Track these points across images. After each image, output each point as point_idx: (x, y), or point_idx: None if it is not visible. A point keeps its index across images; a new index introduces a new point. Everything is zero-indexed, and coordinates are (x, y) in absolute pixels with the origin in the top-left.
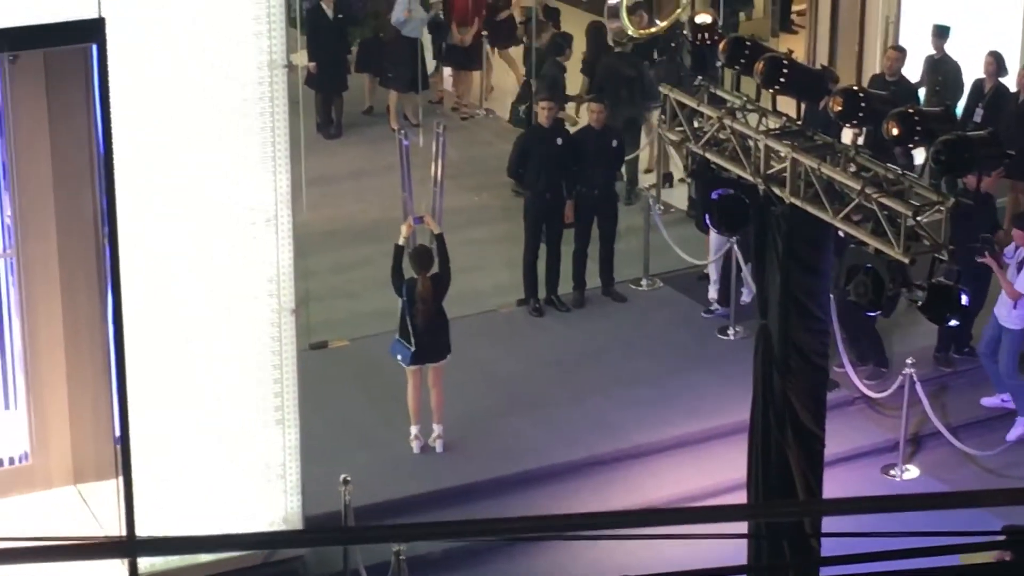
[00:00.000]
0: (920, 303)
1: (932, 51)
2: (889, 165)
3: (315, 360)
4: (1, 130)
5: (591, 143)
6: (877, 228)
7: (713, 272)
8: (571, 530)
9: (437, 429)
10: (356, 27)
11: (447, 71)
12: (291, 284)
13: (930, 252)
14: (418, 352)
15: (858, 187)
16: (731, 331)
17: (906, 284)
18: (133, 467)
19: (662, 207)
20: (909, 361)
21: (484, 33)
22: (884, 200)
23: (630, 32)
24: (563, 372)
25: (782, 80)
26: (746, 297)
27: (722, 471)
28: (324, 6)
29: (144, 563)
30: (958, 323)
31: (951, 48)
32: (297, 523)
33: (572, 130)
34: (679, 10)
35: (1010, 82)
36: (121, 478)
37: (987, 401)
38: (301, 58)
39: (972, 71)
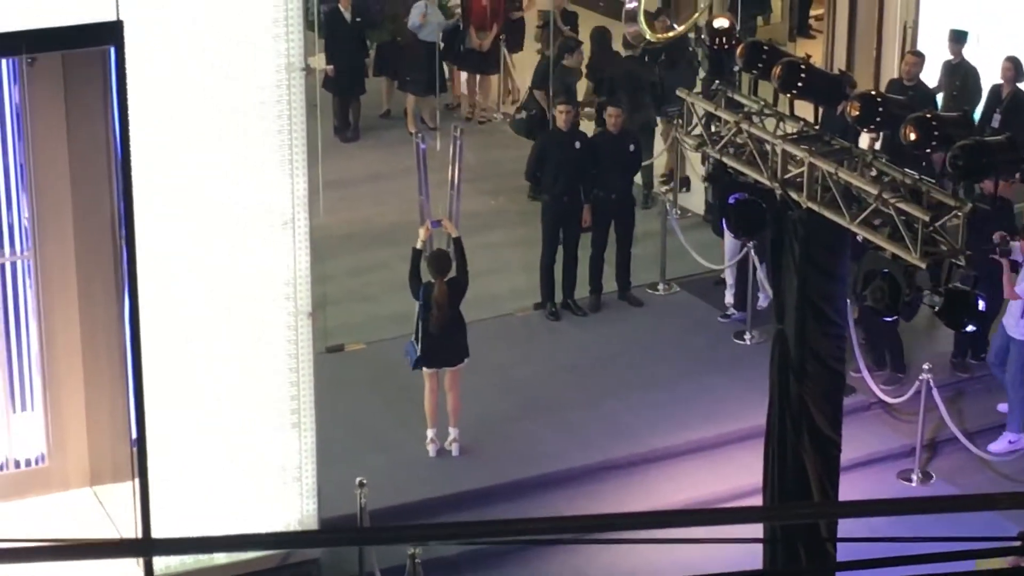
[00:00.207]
0: (937, 308)
1: (950, 56)
2: (906, 170)
3: (331, 363)
4: (19, 132)
5: (608, 147)
6: (894, 233)
7: (729, 276)
8: (585, 531)
9: (453, 432)
10: (374, 30)
11: (463, 75)
12: (308, 287)
13: (947, 257)
14: (428, 355)
15: (875, 192)
16: (747, 335)
17: (935, 285)
18: (149, 469)
19: (679, 211)
20: (926, 366)
21: (502, 37)
22: (901, 205)
23: (648, 36)
24: (579, 376)
25: (800, 84)
26: (763, 302)
27: (738, 476)
28: (342, 9)
29: (159, 566)
30: (975, 328)
31: (969, 53)
32: (313, 526)
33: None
34: (697, 14)
35: None
36: (137, 480)
37: (1004, 407)
38: (319, 61)
39: (990, 76)
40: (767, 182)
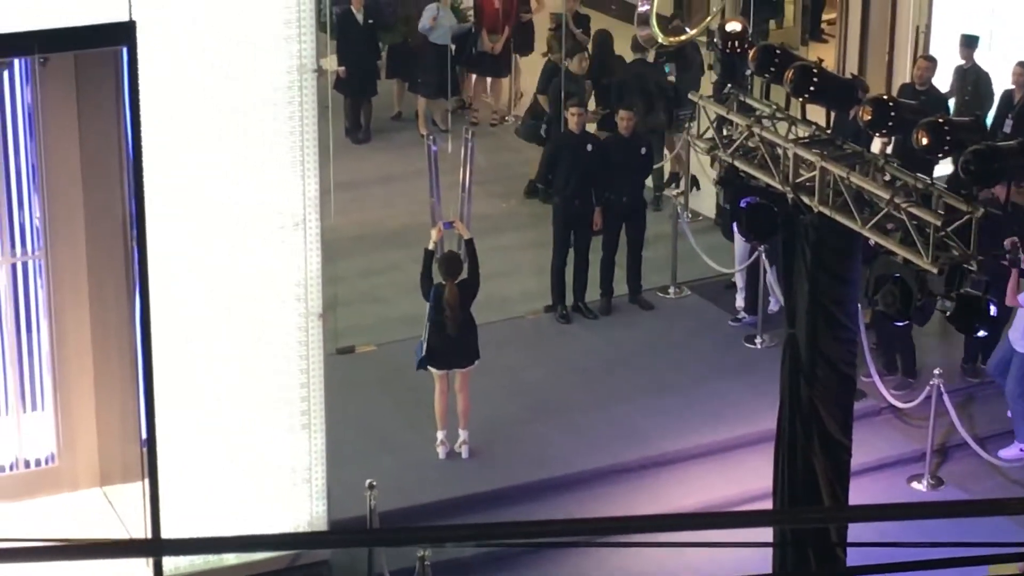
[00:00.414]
0: (949, 313)
1: (961, 61)
2: (918, 175)
3: (342, 365)
4: (31, 132)
5: (620, 150)
6: (906, 238)
7: (740, 280)
8: (595, 534)
9: (463, 435)
10: (386, 32)
11: (474, 77)
12: (318, 289)
13: (959, 262)
14: (438, 356)
15: (887, 196)
16: (758, 340)
17: (948, 289)
18: (159, 469)
19: (690, 215)
20: (936, 371)
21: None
22: (913, 209)
23: (660, 39)
24: (589, 379)
25: (812, 89)
26: (773, 307)
27: (748, 480)
28: (354, 11)
29: (169, 566)
30: (986, 333)
31: (981, 58)
32: (322, 527)
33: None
34: (709, 18)
35: None
36: (147, 481)
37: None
38: (331, 63)
39: (1002, 81)
40: (779, 186)
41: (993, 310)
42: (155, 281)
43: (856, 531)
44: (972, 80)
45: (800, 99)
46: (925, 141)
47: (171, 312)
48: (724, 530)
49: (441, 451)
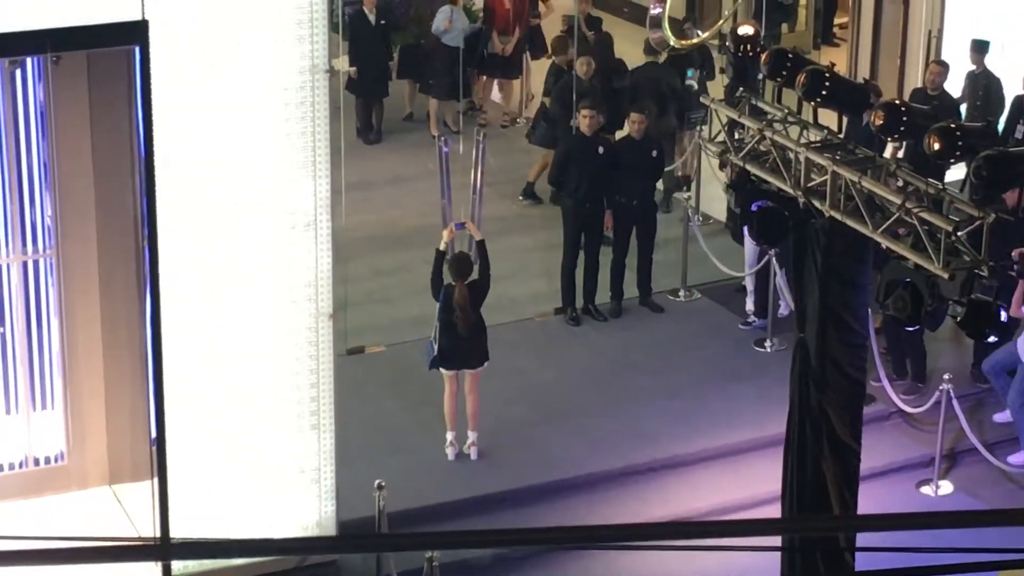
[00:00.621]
0: (959, 319)
1: (972, 66)
2: (930, 180)
3: (351, 365)
4: (43, 130)
5: (631, 153)
6: (917, 243)
7: (750, 284)
8: (603, 541)
9: (472, 436)
10: (398, 33)
11: (483, 79)
12: (329, 289)
13: (970, 268)
14: (448, 357)
15: (898, 201)
16: (768, 343)
17: (961, 294)
18: (168, 468)
19: (700, 218)
20: (946, 377)
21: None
22: (924, 215)
23: (672, 43)
24: (599, 382)
25: (824, 93)
26: (783, 310)
27: (757, 483)
28: (366, 11)
29: (177, 565)
30: (997, 339)
31: (993, 64)
32: (331, 528)
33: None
34: (721, 21)
35: None
36: (156, 479)
37: (999, 417)
38: (343, 63)
39: (1014, 87)
40: (790, 190)
41: (1004, 315)
42: (166, 280)
43: (865, 535)
44: (983, 85)
45: (812, 103)
46: (937, 146)
47: (181, 311)
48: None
49: (450, 452)
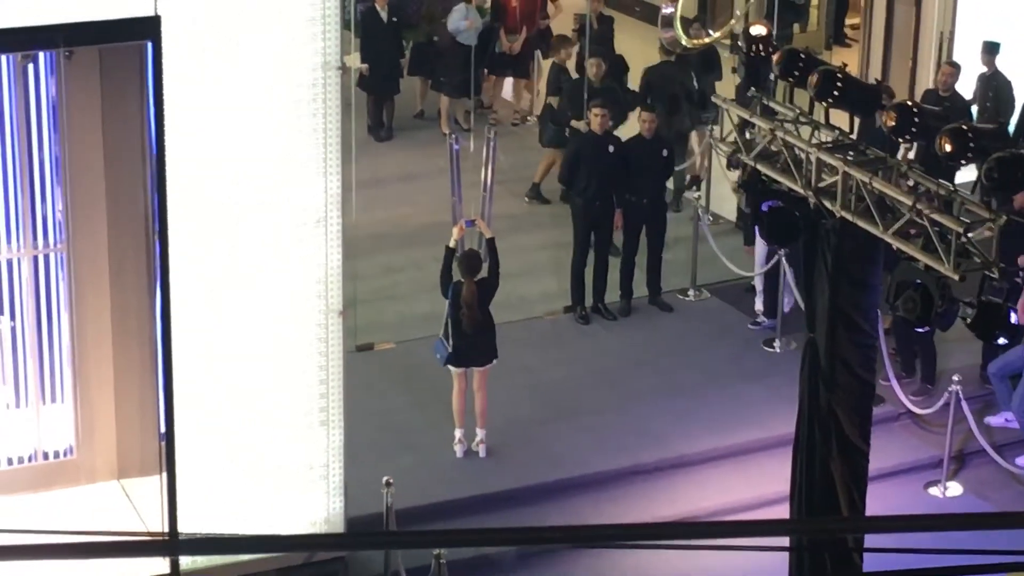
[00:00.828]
0: (969, 320)
1: (983, 68)
2: (941, 181)
3: (361, 362)
4: (54, 125)
5: (641, 152)
6: (927, 244)
7: (759, 284)
8: (611, 540)
9: (480, 434)
10: (410, 30)
11: (493, 78)
12: (339, 286)
13: (980, 269)
14: (457, 355)
15: (909, 202)
16: (777, 343)
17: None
18: (177, 463)
19: (711, 217)
20: (955, 378)
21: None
22: (935, 216)
23: (683, 42)
24: (608, 380)
25: (836, 93)
26: (787, 307)
27: (766, 483)
28: (378, 8)
29: (185, 560)
30: (1007, 341)
31: (1004, 66)
32: (339, 524)
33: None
34: (732, 21)
35: None
36: (165, 474)
37: (992, 420)
38: (354, 60)
39: None
40: (801, 190)
41: (1014, 317)
42: (176, 275)
43: (873, 536)
44: (994, 87)
45: (824, 104)
46: (948, 148)
47: (191, 306)
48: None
49: (458, 450)
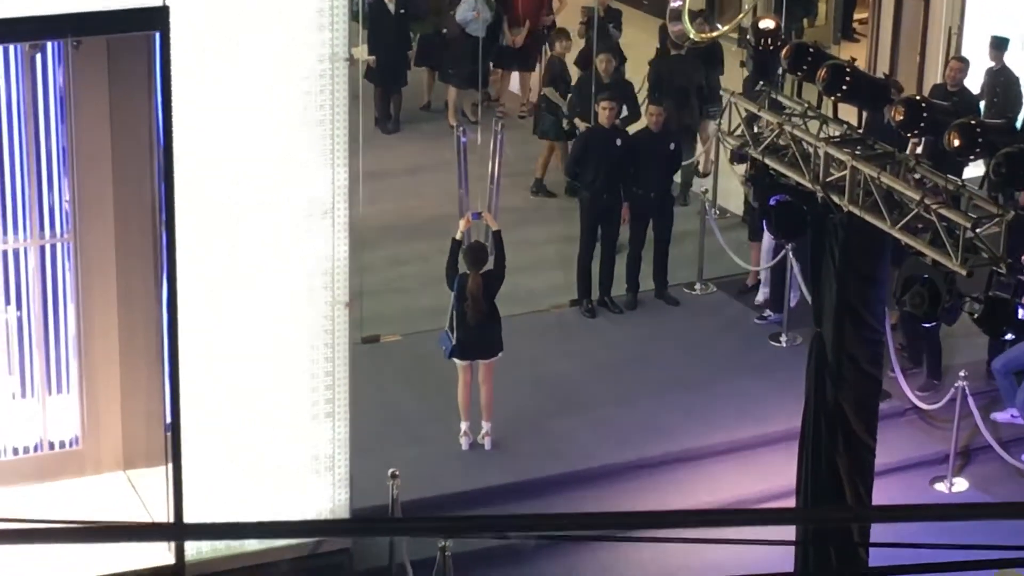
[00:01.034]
0: (977, 316)
1: (991, 63)
2: (949, 176)
3: (367, 354)
4: (62, 115)
5: (649, 145)
6: (935, 239)
7: (765, 278)
8: (615, 527)
9: (486, 426)
10: (417, 22)
11: (500, 72)
12: (346, 277)
13: (988, 265)
14: (462, 347)
15: (917, 197)
16: (783, 338)
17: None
18: (183, 454)
19: (717, 211)
20: (962, 374)
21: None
22: (943, 211)
23: (692, 36)
24: (614, 374)
25: (844, 88)
26: (793, 301)
27: (771, 477)
28: (386, 0)
29: (191, 550)
30: (1014, 336)
31: (1012, 60)
32: (344, 515)
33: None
34: (741, 15)
35: None
36: (170, 465)
37: (997, 416)
38: (362, 52)
39: None
40: (808, 185)
41: (1022, 313)
42: (182, 266)
43: (878, 531)
44: (1001, 82)
45: (832, 98)
46: (957, 143)
47: (197, 297)
48: (747, 527)
49: (464, 442)
